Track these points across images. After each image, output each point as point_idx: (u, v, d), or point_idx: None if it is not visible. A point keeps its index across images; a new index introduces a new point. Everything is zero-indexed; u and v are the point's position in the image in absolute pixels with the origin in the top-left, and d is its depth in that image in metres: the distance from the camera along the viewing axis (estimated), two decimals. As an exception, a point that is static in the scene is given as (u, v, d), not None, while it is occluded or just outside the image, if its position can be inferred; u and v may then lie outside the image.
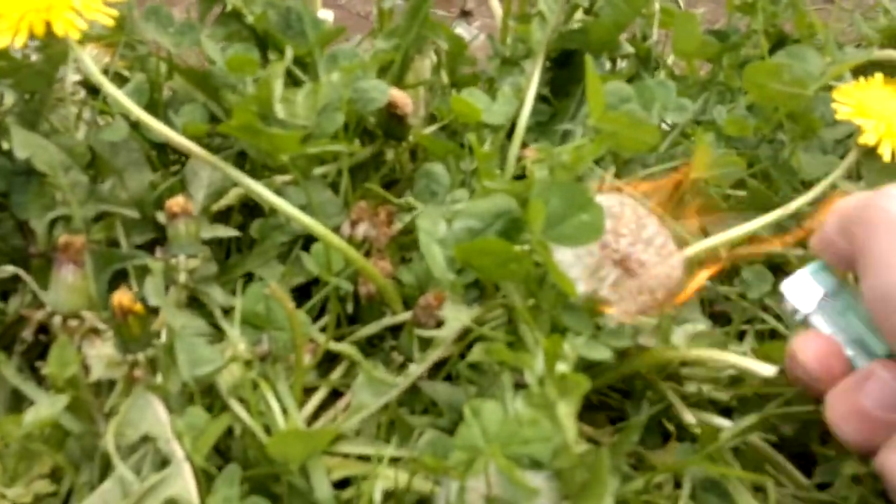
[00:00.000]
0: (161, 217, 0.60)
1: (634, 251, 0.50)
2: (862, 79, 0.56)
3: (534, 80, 0.67)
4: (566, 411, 0.37)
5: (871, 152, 0.53)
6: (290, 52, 0.61)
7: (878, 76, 0.56)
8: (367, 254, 0.62)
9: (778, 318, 0.60)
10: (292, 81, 0.67)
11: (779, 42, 0.77)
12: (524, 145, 0.69)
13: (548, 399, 0.38)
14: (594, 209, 0.48)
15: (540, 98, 0.71)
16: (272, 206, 0.55)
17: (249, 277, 0.64)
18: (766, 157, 0.63)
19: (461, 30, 0.83)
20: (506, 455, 0.36)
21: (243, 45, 0.65)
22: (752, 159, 0.66)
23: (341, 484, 0.51)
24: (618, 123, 0.54)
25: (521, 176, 0.64)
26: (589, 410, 0.58)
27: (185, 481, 0.43)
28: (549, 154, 0.50)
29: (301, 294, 0.63)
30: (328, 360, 0.59)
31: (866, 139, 0.52)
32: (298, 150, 0.53)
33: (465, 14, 0.84)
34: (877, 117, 0.52)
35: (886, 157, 0.52)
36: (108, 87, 0.51)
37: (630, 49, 0.71)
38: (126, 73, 0.67)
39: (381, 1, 0.69)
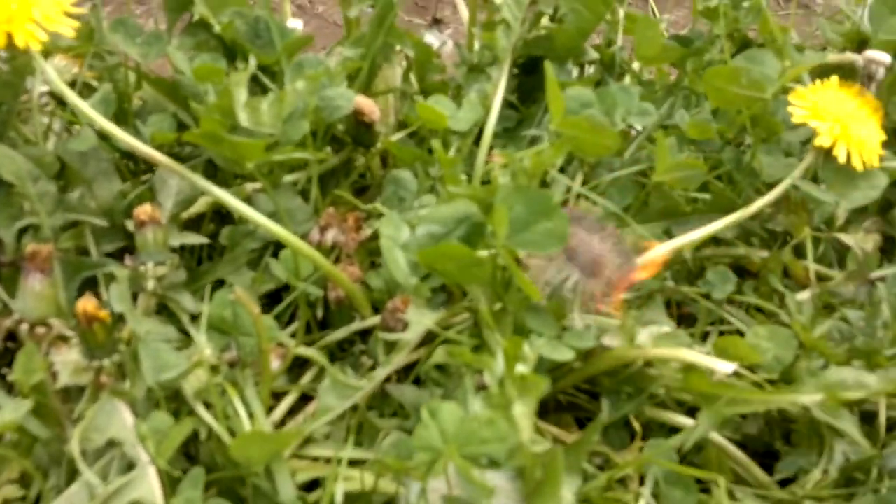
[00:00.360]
0: (130, 225, 0.61)
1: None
2: (818, 82, 0.57)
3: (500, 86, 0.68)
4: (522, 411, 0.37)
5: (828, 154, 0.54)
6: (253, 61, 0.61)
7: (834, 79, 0.57)
8: (337, 259, 0.63)
9: (742, 318, 0.60)
10: (261, 90, 0.68)
11: (743, 46, 0.78)
12: (492, 150, 0.70)
13: (506, 399, 0.39)
14: (558, 216, 0.48)
15: (507, 104, 0.72)
16: (240, 214, 0.56)
17: (221, 284, 0.65)
18: (730, 160, 0.64)
19: (432, 37, 0.83)
20: (463, 455, 0.37)
21: (210, 55, 0.65)
22: (717, 162, 0.67)
23: (312, 486, 0.52)
24: (578, 128, 0.54)
25: (489, 182, 0.65)
26: (557, 411, 0.59)
27: (149, 484, 0.43)
28: (511, 159, 0.50)
29: (273, 300, 0.63)
30: (298, 366, 0.59)
31: (821, 141, 0.53)
32: (263, 157, 0.54)
33: (437, 22, 0.84)
34: (832, 119, 0.53)
35: (842, 159, 0.53)
36: (73, 98, 0.51)
37: (595, 55, 0.72)
38: (95, 83, 0.67)
39: (347, 10, 0.70)
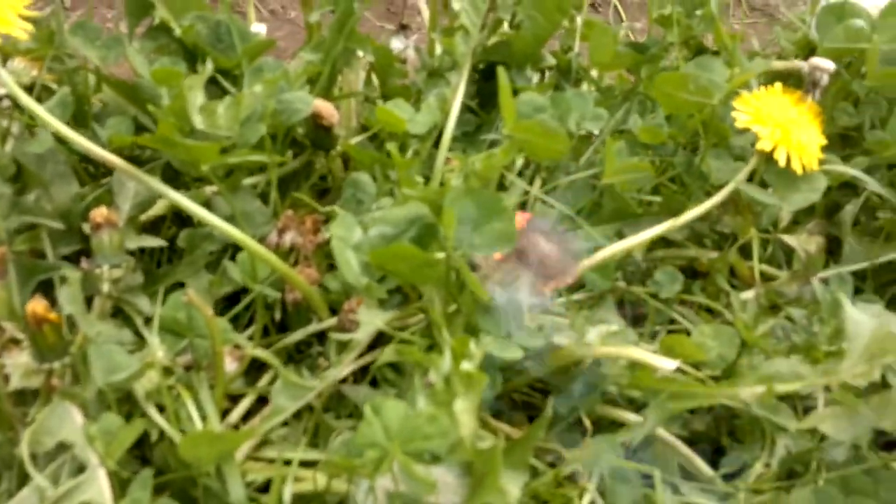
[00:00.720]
0: (87, 228, 0.61)
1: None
2: (763, 88, 0.58)
3: (459, 90, 0.69)
4: (464, 407, 0.38)
5: (771, 157, 0.56)
6: (210, 65, 0.62)
7: (777, 85, 0.58)
8: (296, 262, 0.63)
9: (690, 318, 0.62)
10: (222, 93, 0.68)
11: (698, 53, 0.79)
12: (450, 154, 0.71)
13: (450, 396, 0.40)
14: (506, 217, 0.49)
15: (467, 109, 0.73)
16: (197, 217, 0.56)
17: (179, 287, 0.65)
18: (681, 164, 0.65)
19: (398, 42, 0.84)
20: (406, 451, 0.38)
21: (170, 59, 0.65)
22: (669, 165, 0.69)
23: (268, 488, 0.52)
24: (530, 132, 0.55)
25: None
26: (512, 410, 0.59)
27: (99, 486, 0.43)
28: (463, 162, 0.51)
29: (233, 302, 0.64)
30: (256, 368, 0.60)
31: (763, 145, 0.54)
32: (217, 160, 0.54)
33: (403, 27, 0.85)
34: (773, 124, 0.55)
35: (782, 162, 0.54)
36: (27, 101, 0.52)
37: (553, 61, 0.73)
38: (54, 86, 0.67)
39: (308, 15, 0.70)
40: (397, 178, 0.61)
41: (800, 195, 0.55)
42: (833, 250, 0.68)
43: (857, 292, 0.65)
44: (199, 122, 0.54)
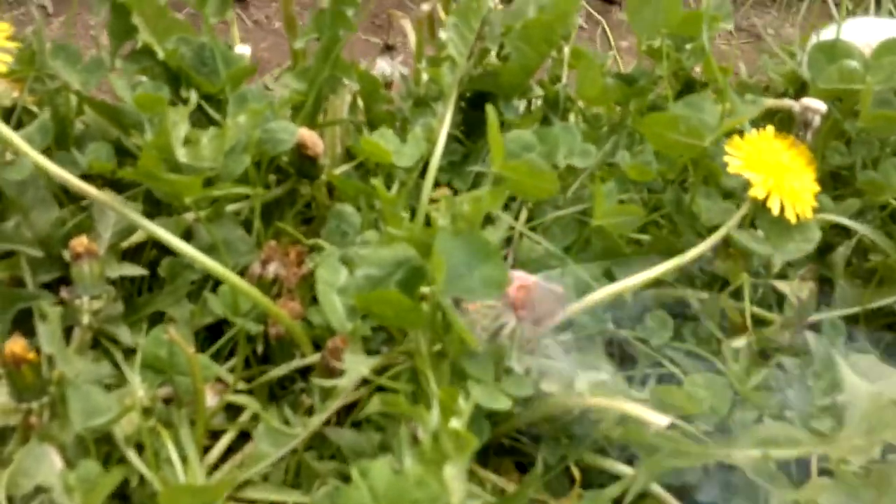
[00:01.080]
0: (68, 255, 0.59)
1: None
2: (754, 130, 0.58)
3: (445, 121, 0.68)
4: (454, 472, 0.37)
5: (763, 204, 0.55)
6: (195, 96, 0.60)
7: (770, 128, 0.58)
8: (278, 294, 0.62)
9: (680, 361, 0.61)
10: (205, 118, 0.67)
11: (687, 85, 0.79)
12: (437, 185, 0.70)
13: (439, 455, 0.39)
14: (496, 261, 0.49)
15: (453, 138, 0.73)
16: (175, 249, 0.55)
17: (160, 316, 0.64)
18: (670, 202, 0.65)
19: (384, 63, 0.83)
20: (394, 514, 0.37)
21: (153, 83, 0.64)
22: (658, 203, 0.68)
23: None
24: (518, 172, 0.55)
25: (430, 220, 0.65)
26: (498, 455, 0.59)
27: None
28: (450, 203, 0.50)
29: (215, 332, 0.63)
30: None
31: (756, 192, 0.54)
32: (200, 193, 0.53)
33: (389, 48, 0.84)
34: (766, 171, 0.54)
35: (775, 211, 0.54)
36: (4, 130, 0.50)
37: (540, 91, 0.72)
38: (36, 108, 0.66)
39: (294, 41, 0.69)
40: (382, 214, 0.60)
41: (793, 244, 0.55)
42: (825, 291, 0.68)
43: (850, 337, 0.64)
44: (182, 155, 0.52)
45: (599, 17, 1.95)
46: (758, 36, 2.07)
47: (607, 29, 1.98)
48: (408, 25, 0.91)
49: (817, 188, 0.57)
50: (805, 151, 0.57)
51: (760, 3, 2.11)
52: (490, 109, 0.52)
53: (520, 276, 0.52)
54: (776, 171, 0.54)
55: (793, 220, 0.54)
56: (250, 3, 1.89)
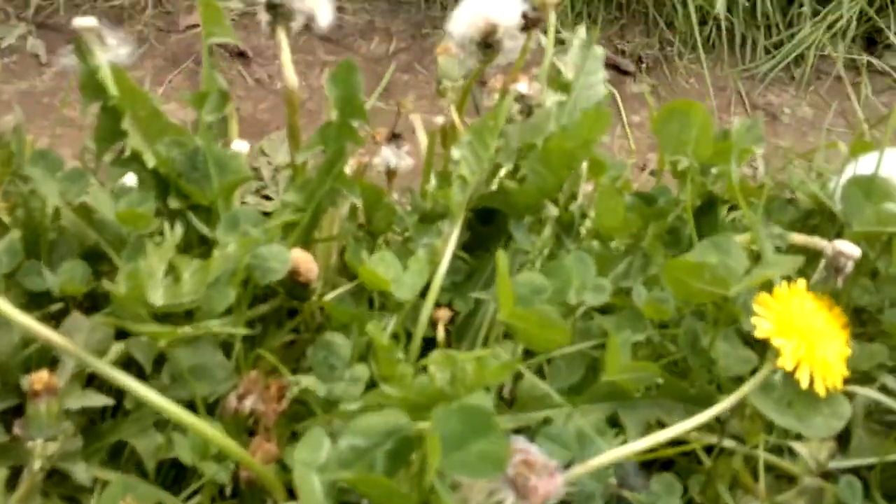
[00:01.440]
0: (25, 383, 0.55)
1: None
2: (785, 284, 0.53)
3: (451, 242, 0.63)
4: None
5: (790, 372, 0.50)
6: (179, 231, 0.56)
7: (801, 283, 0.53)
8: (254, 431, 0.57)
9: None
10: (192, 232, 0.63)
11: (708, 203, 0.74)
12: (438, 305, 0.65)
13: None
14: (496, 435, 0.44)
15: (457, 256, 0.68)
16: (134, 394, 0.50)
17: (123, 446, 0.59)
18: (686, 343, 0.60)
19: (389, 153, 0.79)
20: None
21: (139, 195, 0.60)
22: (672, 338, 0.63)
23: None
24: (527, 322, 0.50)
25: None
26: None
27: None
28: (452, 363, 0.46)
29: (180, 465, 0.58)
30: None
31: (784, 363, 0.49)
32: (176, 336, 0.48)
33: (395, 137, 0.80)
34: (797, 336, 0.49)
35: (804, 384, 0.48)
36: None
37: (554, 211, 0.68)
38: (6, 217, 0.61)
39: (296, 155, 0.65)
40: (375, 355, 0.55)
41: (821, 419, 0.49)
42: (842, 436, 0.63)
43: (864, 493, 0.59)
44: (158, 298, 0.48)
45: (612, 89, 1.91)
46: (773, 115, 2.03)
47: (620, 103, 1.94)
48: (417, 121, 0.87)
49: (848, 352, 0.52)
50: (840, 315, 0.52)
51: (778, 81, 2.08)
52: (501, 255, 0.48)
53: (522, 449, 0.47)
54: (808, 338, 0.49)
55: (822, 394, 0.49)
56: (253, 61, 1.85)
